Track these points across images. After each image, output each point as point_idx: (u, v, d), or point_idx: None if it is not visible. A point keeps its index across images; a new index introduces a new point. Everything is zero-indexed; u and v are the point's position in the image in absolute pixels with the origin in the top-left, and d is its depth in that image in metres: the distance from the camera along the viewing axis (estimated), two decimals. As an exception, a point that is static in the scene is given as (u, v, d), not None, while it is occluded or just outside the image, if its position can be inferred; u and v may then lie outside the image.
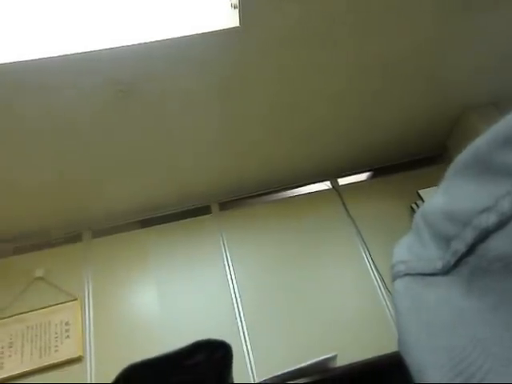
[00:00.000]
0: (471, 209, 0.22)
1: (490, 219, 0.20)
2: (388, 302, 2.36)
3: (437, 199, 0.27)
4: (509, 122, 0.21)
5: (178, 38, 1.67)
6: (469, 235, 0.22)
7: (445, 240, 0.24)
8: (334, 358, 1.16)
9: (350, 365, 1.10)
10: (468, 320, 0.21)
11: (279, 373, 1.14)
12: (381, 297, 2.39)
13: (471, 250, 0.22)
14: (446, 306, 0.23)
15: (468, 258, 0.22)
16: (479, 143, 0.23)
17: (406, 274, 0.28)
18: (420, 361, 0.23)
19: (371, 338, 2.15)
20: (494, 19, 2.04)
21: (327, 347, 2.01)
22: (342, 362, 1.26)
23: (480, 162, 0.23)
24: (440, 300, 0.24)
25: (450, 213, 0.24)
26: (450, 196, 0.25)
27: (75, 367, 2.16)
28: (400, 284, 0.28)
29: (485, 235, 0.21)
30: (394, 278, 0.30)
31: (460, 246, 0.23)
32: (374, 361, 1.06)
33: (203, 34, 1.68)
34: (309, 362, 1.11)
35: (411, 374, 0.23)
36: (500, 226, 0.20)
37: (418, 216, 0.29)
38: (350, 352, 1.53)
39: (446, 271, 0.24)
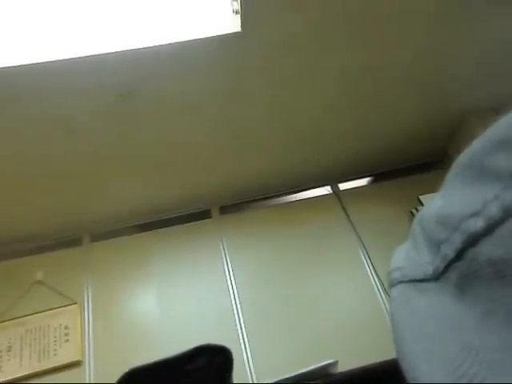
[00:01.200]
0: (461, 213, 0.22)
1: (478, 224, 0.20)
2: (388, 308, 2.35)
3: (433, 204, 0.27)
4: (500, 125, 0.21)
5: (180, 42, 1.68)
6: (457, 240, 0.22)
7: (436, 245, 0.24)
8: (334, 363, 1.16)
9: (351, 371, 1.10)
10: (459, 326, 0.21)
11: (279, 379, 1.14)
12: (381, 302, 2.38)
13: (460, 254, 0.22)
14: (438, 312, 0.23)
15: (457, 263, 0.22)
16: (474, 147, 0.23)
17: (401, 282, 0.28)
18: (416, 370, 0.23)
19: (371, 343, 2.14)
20: (493, 25, 2.05)
21: (327, 352, 2.00)
22: (342, 367, 1.26)
23: (473, 165, 0.23)
24: (431, 306, 0.24)
25: (443, 217, 0.24)
26: (444, 200, 0.25)
27: (74, 371, 2.15)
28: (395, 292, 0.28)
29: (473, 240, 0.20)
30: (390, 285, 0.29)
31: (449, 251, 0.22)
32: (375, 367, 1.05)
33: (205, 39, 1.69)
34: (309, 368, 1.10)
35: (408, 382, 0.23)
36: (488, 230, 0.20)
37: (415, 221, 0.29)
38: (349, 357, 1.52)
39: (437, 277, 0.24)
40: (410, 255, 0.28)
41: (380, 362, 1.05)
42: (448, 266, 0.23)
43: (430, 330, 0.23)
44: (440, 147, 2.84)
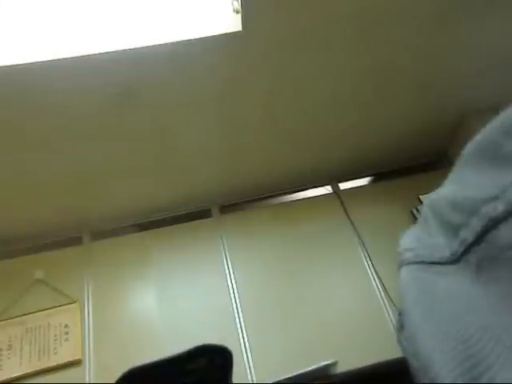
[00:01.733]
0: (478, 198, 0.22)
1: (498, 208, 0.20)
2: (388, 307, 2.35)
3: (445, 189, 0.27)
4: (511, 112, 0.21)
5: (181, 41, 1.68)
6: (477, 224, 0.22)
7: (453, 229, 0.24)
8: (334, 364, 1.16)
9: (351, 371, 1.10)
10: (477, 308, 0.22)
11: (279, 379, 1.14)
12: (381, 302, 2.38)
13: (480, 238, 0.22)
14: (454, 293, 0.23)
15: (477, 246, 0.22)
16: (485, 134, 0.23)
17: (413, 262, 0.28)
18: (426, 347, 0.23)
19: (371, 343, 2.15)
20: (492, 25, 2.05)
21: (327, 352, 2.00)
22: (341, 367, 1.26)
23: (487, 150, 0.23)
24: (448, 288, 0.24)
25: (458, 202, 0.24)
26: (457, 185, 0.26)
27: (74, 370, 2.15)
28: (406, 272, 0.29)
29: (493, 224, 0.21)
30: (400, 265, 0.30)
31: (468, 235, 0.23)
32: (375, 367, 1.05)
33: (206, 38, 1.69)
34: (309, 368, 1.10)
35: (415, 363, 0.23)
36: (508, 214, 0.20)
37: (425, 206, 0.30)
38: (349, 357, 1.52)
39: (454, 260, 0.24)
40: (422, 238, 0.29)
41: (380, 363, 1.05)
42: (467, 250, 0.23)
43: (445, 310, 0.23)
44: (440, 147, 2.84)
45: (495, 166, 0.22)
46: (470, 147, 0.24)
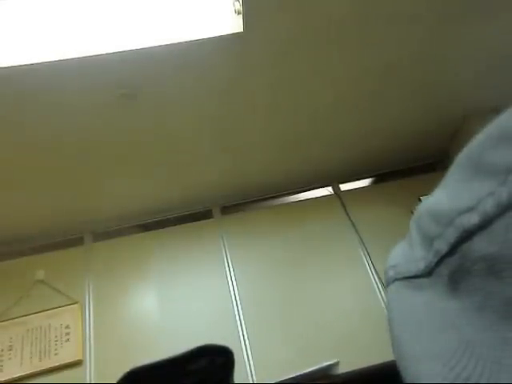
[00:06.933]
0: (455, 208, 0.22)
1: (472, 219, 0.20)
2: (389, 309, 2.34)
3: (428, 200, 0.27)
4: (497, 123, 0.21)
5: (183, 42, 1.68)
6: (451, 235, 0.22)
7: (429, 240, 0.24)
8: (336, 364, 1.16)
9: (353, 371, 1.10)
10: (453, 322, 0.21)
11: (281, 379, 1.14)
12: (382, 303, 2.38)
13: (454, 250, 0.22)
14: (431, 308, 0.23)
15: (449, 258, 0.22)
16: (472, 144, 0.23)
17: (396, 279, 0.28)
18: (414, 370, 0.22)
19: (372, 343, 2.14)
20: (493, 26, 2.05)
21: (328, 353, 2.00)
22: (342, 367, 1.26)
23: (471, 162, 0.22)
24: (425, 303, 0.24)
25: (436, 212, 0.24)
26: (441, 194, 0.25)
27: (75, 371, 2.15)
28: (391, 290, 0.28)
29: (467, 235, 0.20)
30: (387, 284, 0.29)
31: (442, 246, 0.22)
32: (377, 367, 1.05)
33: (208, 39, 1.69)
34: (311, 369, 1.10)
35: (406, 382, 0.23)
36: (483, 226, 0.19)
37: (412, 218, 0.29)
38: (350, 358, 1.52)
39: (429, 272, 0.24)
40: (405, 252, 0.28)
41: (382, 363, 1.05)
42: (440, 261, 0.23)
43: (425, 327, 0.23)
44: (441, 148, 2.84)
45: (477, 175, 0.21)
46: (458, 157, 0.24)
